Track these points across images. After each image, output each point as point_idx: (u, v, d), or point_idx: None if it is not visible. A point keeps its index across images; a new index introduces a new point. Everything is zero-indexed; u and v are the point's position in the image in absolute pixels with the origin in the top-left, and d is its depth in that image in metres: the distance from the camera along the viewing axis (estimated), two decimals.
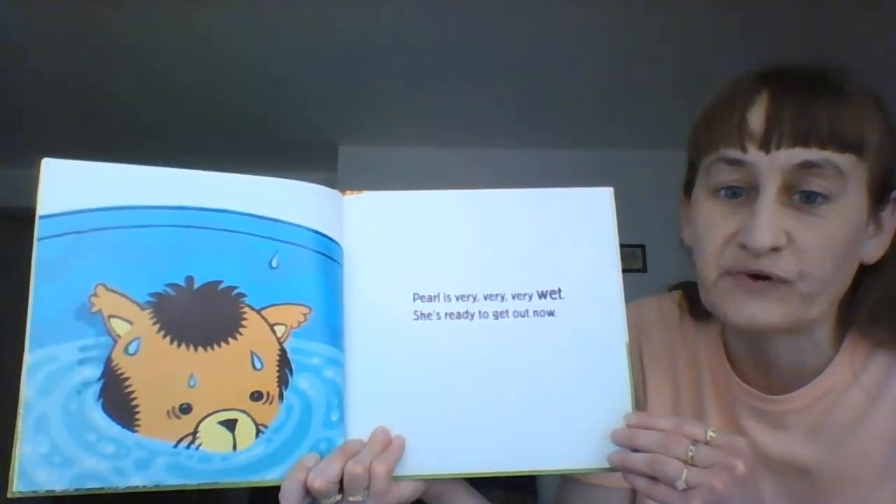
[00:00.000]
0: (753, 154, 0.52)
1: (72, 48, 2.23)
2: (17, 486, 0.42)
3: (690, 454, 0.47)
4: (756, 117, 0.52)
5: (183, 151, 3.20)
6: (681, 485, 0.46)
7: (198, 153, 3.22)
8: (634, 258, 3.04)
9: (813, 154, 0.50)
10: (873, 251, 0.55)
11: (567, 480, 0.68)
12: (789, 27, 2.08)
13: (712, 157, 0.55)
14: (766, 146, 0.51)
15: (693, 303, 0.66)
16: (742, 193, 0.54)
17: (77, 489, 0.43)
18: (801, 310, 0.52)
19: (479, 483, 0.56)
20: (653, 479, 0.48)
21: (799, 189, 0.51)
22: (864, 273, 0.56)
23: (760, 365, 0.60)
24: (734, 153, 0.53)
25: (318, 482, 0.47)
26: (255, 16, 2.06)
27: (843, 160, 0.50)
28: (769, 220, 0.50)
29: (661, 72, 2.44)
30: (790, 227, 0.51)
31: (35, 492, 0.42)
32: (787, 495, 0.59)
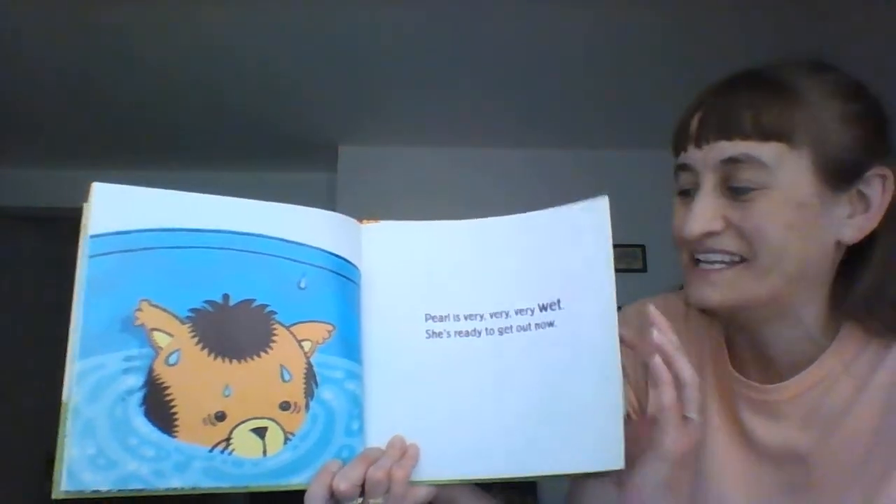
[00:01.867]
0: (692, 153, 0.59)
1: (71, 48, 2.23)
2: (64, 486, 0.44)
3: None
4: (695, 120, 0.59)
5: (183, 151, 3.20)
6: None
7: (198, 153, 3.22)
8: (634, 258, 3.04)
9: (736, 147, 0.55)
10: (853, 231, 0.57)
11: (577, 480, 0.71)
12: (789, 26, 2.08)
13: (674, 164, 0.62)
14: (698, 143, 0.58)
15: None
16: (693, 193, 0.60)
17: (119, 490, 0.46)
18: (753, 287, 0.56)
19: (481, 482, 0.58)
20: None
21: (729, 183, 0.56)
22: (855, 262, 0.58)
23: (758, 356, 0.63)
24: (682, 157, 0.60)
25: (343, 485, 0.50)
26: (255, 16, 2.06)
27: (768, 149, 0.55)
28: (700, 211, 0.57)
29: (661, 72, 2.44)
30: (728, 214, 0.56)
31: (81, 492, 0.45)
32: (781, 483, 0.61)
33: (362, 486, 0.52)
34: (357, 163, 3.17)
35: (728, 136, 0.56)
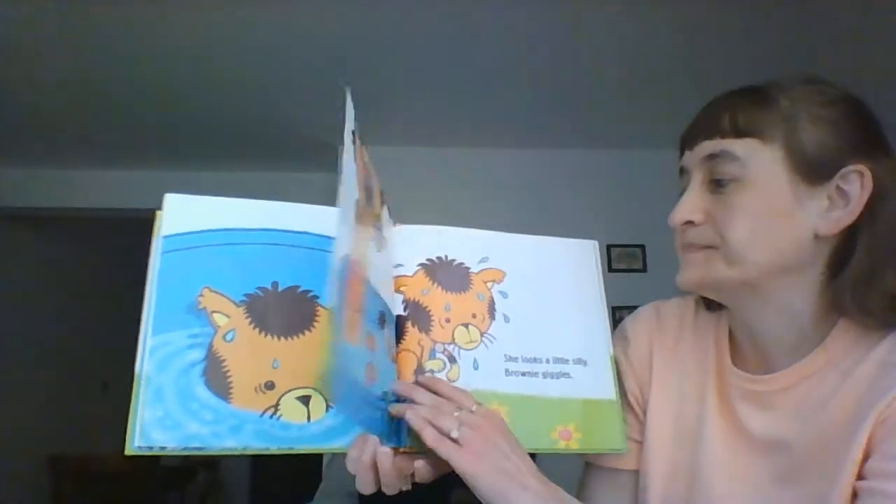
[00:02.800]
0: (686, 155, 0.67)
1: (71, 48, 2.24)
2: (136, 443, 0.50)
3: (455, 414, 0.59)
4: (689, 128, 0.67)
5: (184, 151, 3.20)
6: (455, 434, 0.57)
7: (198, 153, 3.22)
8: (634, 258, 3.05)
9: (715, 145, 0.63)
10: (829, 225, 0.61)
11: (589, 467, 0.77)
12: (791, 28, 2.08)
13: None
14: (689, 145, 0.66)
15: (706, 297, 0.74)
16: None
17: (183, 448, 0.52)
18: (723, 269, 0.62)
19: None
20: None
21: (711, 178, 0.63)
22: (843, 256, 0.62)
23: (755, 349, 0.67)
24: (680, 161, 0.68)
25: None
26: (255, 16, 2.06)
27: (741, 145, 0.62)
28: (685, 202, 0.64)
29: (661, 72, 2.45)
30: (710, 207, 0.63)
31: (150, 448, 0.51)
32: (772, 474, 0.63)
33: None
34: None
35: (710, 135, 0.64)
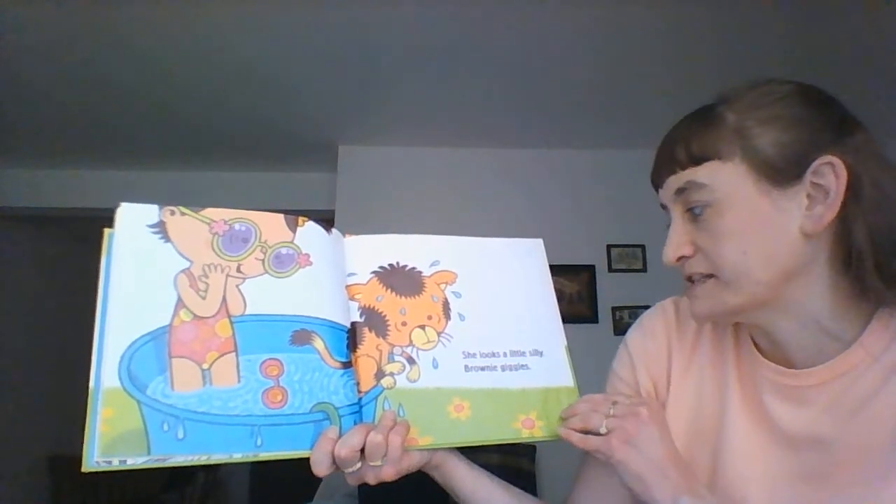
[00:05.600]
0: (659, 193, 0.68)
1: (72, 49, 2.23)
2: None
3: (610, 411, 0.65)
4: (653, 169, 0.69)
5: (184, 151, 3.20)
6: (603, 430, 0.64)
7: (199, 153, 3.22)
8: (634, 258, 3.05)
9: (678, 179, 0.64)
10: (813, 222, 0.59)
11: (587, 456, 0.76)
12: (785, 27, 2.09)
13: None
14: (657, 184, 0.68)
15: None
16: None
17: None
18: (727, 297, 0.62)
19: (477, 447, 0.69)
20: (584, 434, 0.66)
21: (686, 208, 0.64)
22: (846, 246, 0.60)
23: (780, 350, 0.66)
24: (658, 198, 0.69)
25: (344, 451, 0.59)
26: (255, 16, 2.06)
27: (702, 171, 0.62)
28: (671, 240, 0.65)
29: (660, 71, 2.44)
30: (695, 238, 0.64)
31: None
32: (800, 469, 0.62)
33: (361, 452, 0.61)
34: (357, 163, 3.18)
35: (671, 170, 0.65)
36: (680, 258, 0.65)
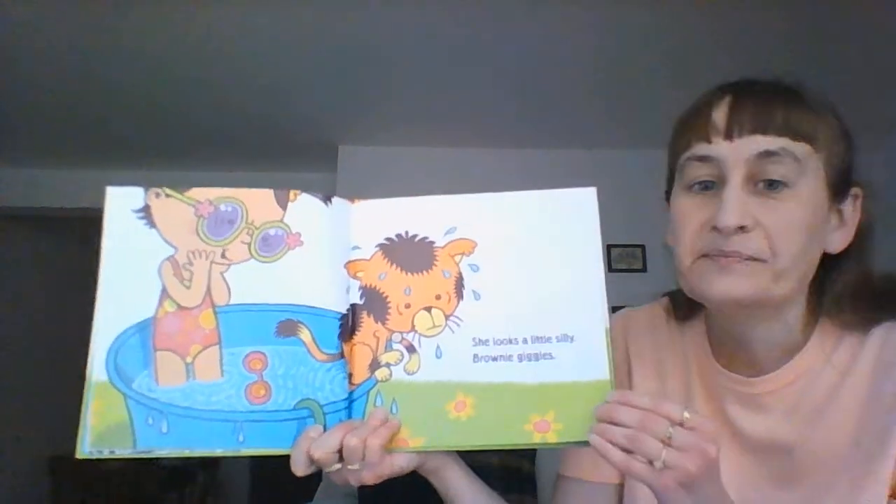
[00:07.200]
0: (718, 145, 0.58)
1: (72, 48, 2.23)
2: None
3: (668, 434, 0.50)
4: (720, 114, 0.59)
5: (184, 151, 3.20)
6: (659, 464, 0.50)
7: (199, 153, 3.22)
8: (634, 258, 3.05)
9: (771, 142, 0.56)
10: (837, 242, 0.60)
11: (561, 479, 0.74)
12: (780, 27, 2.09)
13: (684, 156, 0.61)
14: (729, 135, 0.57)
15: (677, 305, 0.72)
16: (712, 186, 0.59)
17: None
18: (769, 285, 0.57)
19: (480, 477, 0.64)
20: (627, 453, 0.51)
21: (761, 178, 0.57)
22: (830, 264, 0.61)
23: (740, 353, 0.65)
24: (702, 148, 0.59)
25: (318, 453, 0.56)
26: (255, 16, 2.06)
27: (799, 148, 0.56)
28: (735, 203, 0.56)
29: (661, 72, 2.44)
30: (756, 212, 0.56)
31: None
32: (768, 474, 0.62)
33: (341, 452, 0.56)
34: (357, 163, 3.17)
35: (764, 130, 0.56)
36: (741, 227, 0.56)
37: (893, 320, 0.60)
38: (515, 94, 2.64)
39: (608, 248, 3.07)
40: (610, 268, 3.06)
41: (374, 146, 3.18)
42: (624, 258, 3.05)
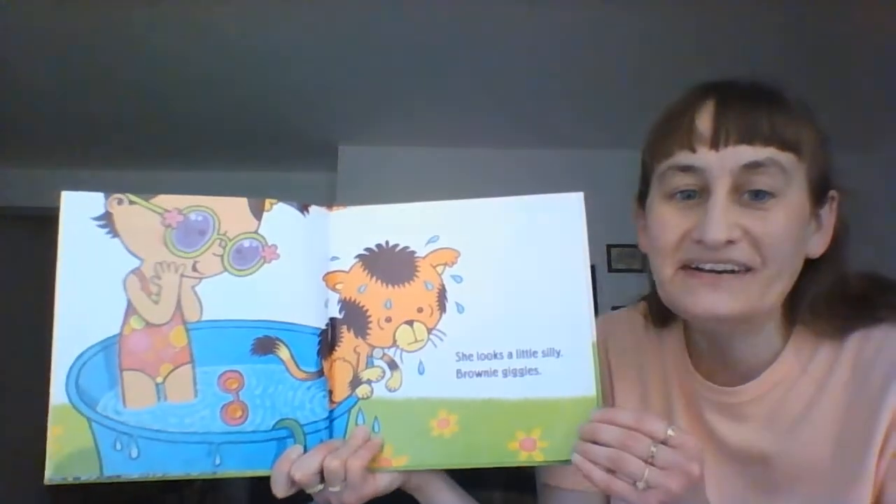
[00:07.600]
0: (703, 154, 0.56)
1: (72, 48, 2.23)
2: None
3: (651, 454, 0.50)
4: (704, 121, 0.57)
5: (184, 151, 3.20)
6: (641, 484, 0.49)
7: (199, 153, 3.22)
8: (634, 258, 3.04)
9: (758, 153, 0.54)
10: (816, 246, 0.60)
11: (545, 487, 0.72)
12: (765, 28, 2.09)
13: (665, 164, 0.59)
14: (714, 145, 0.55)
15: (654, 310, 0.70)
16: (695, 195, 0.57)
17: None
18: (758, 298, 0.56)
19: (478, 483, 0.62)
20: (610, 472, 0.51)
21: (747, 189, 0.55)
22: (805, 269, 0.60)
23: (718, 361, 0.64)
24: (685, 158, 0.57)
25: (298, 475, 0.55)
26: (255, 16, 2.06)
27: (785, 158, 0.55)
28: (721, 216, 0.54)
29: (656, 73, 2.44)
30: (742, 222, 0.55)
31: None
32: (748, 483, 0.62)
33: (322, 473, 0.56)
34: (357, 163, 3.17)
35: (750, 140, 0.55)
36: (728, 241, 0.55)
37: (867, 327, 0.60)
38: (514, 95, 2.64)
39: (608, 248, 3.07)
40: (609, 268, 3.06)
41: (374, 146, 3.18)
42: (623, 258, 3.04)
